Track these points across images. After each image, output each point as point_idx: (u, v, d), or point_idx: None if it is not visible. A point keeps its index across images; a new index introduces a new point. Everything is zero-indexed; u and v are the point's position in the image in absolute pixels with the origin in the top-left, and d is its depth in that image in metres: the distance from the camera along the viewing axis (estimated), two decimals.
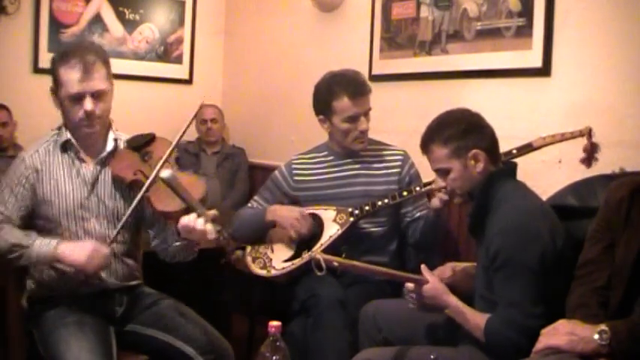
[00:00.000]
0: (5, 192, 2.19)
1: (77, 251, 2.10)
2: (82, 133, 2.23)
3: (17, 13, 3.83)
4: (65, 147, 2.24)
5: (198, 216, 2.06)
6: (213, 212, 2.13)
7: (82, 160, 2.26)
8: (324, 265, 1.90)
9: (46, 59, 3.81)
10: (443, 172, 2.10)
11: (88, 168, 2.26)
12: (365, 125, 2.63)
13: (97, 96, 2.18)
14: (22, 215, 2.18)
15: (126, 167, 2.25)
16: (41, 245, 2.10)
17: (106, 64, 2.22)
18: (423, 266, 2.09)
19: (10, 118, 3.69)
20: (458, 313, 2.02)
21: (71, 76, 2.14)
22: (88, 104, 2.16)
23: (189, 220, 2.07)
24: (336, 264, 1.93)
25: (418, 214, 2.66)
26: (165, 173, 2.12)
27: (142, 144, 2.33)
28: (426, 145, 2.11)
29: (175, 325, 2.23)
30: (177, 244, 2.20)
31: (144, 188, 2.14)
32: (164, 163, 2.18)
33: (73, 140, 2.23)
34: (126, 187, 2.27)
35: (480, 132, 2.06)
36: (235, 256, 2.40)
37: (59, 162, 2.23)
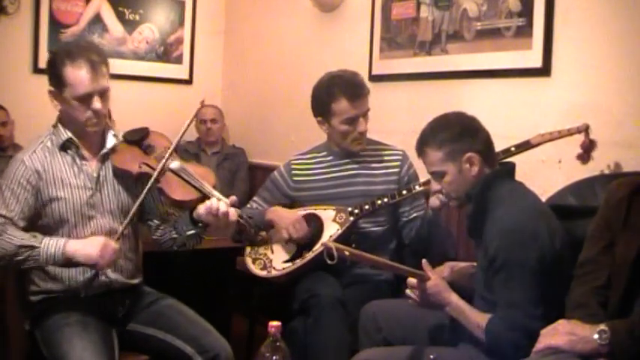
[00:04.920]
0: (6, 194, 2.15)
1: (88, 247, 2.10)
2: (85, 132, 2.23)
3: (17, 13, 3.84)
4: (65, 146, 2.23)
5: (218, 200, 2.11)
6: (233, 198, 2.19)
7: (83, 158, 2.26)
8: (335, 254, 1.87)
9: (46, 59, 3.82)
10: (438, 176, 2.10)
11: (91, 165, 2.26)
12: (363, 127, 2.63)
13: (102, 94, 2.20)
14: (26, 217, 2.15)
15: (130, 160, 2.26)
16: (49, 245, 2.08)
17: (107, 63, 2.23)
18: (424, 262, 2.05)
19: (8, 117, 3.70)
20: (459, 311, 2.01)
21: (80, 76, 2.14)
22: (97, 103, 2.17)
23: (211, 204, 2.12)
24: (347, 253, 1.90)
25: (415, 214, 2.66)
26: (174, 164, 2.16)
27: (139, 138, 2.34)
28: (420, 148, 2.11)
29: (175, 324, 2.23)
30: (191, 232, 2.23)
31: (152, 179, 2.16)
32: (171, 153, 2.20)
33: (74, 139, 2.23)
34: (132, 181, 2.28)
35: (474, 135, 2.06)
36: (261, 237, 2.36)
37: (61, 162, 2.22)
